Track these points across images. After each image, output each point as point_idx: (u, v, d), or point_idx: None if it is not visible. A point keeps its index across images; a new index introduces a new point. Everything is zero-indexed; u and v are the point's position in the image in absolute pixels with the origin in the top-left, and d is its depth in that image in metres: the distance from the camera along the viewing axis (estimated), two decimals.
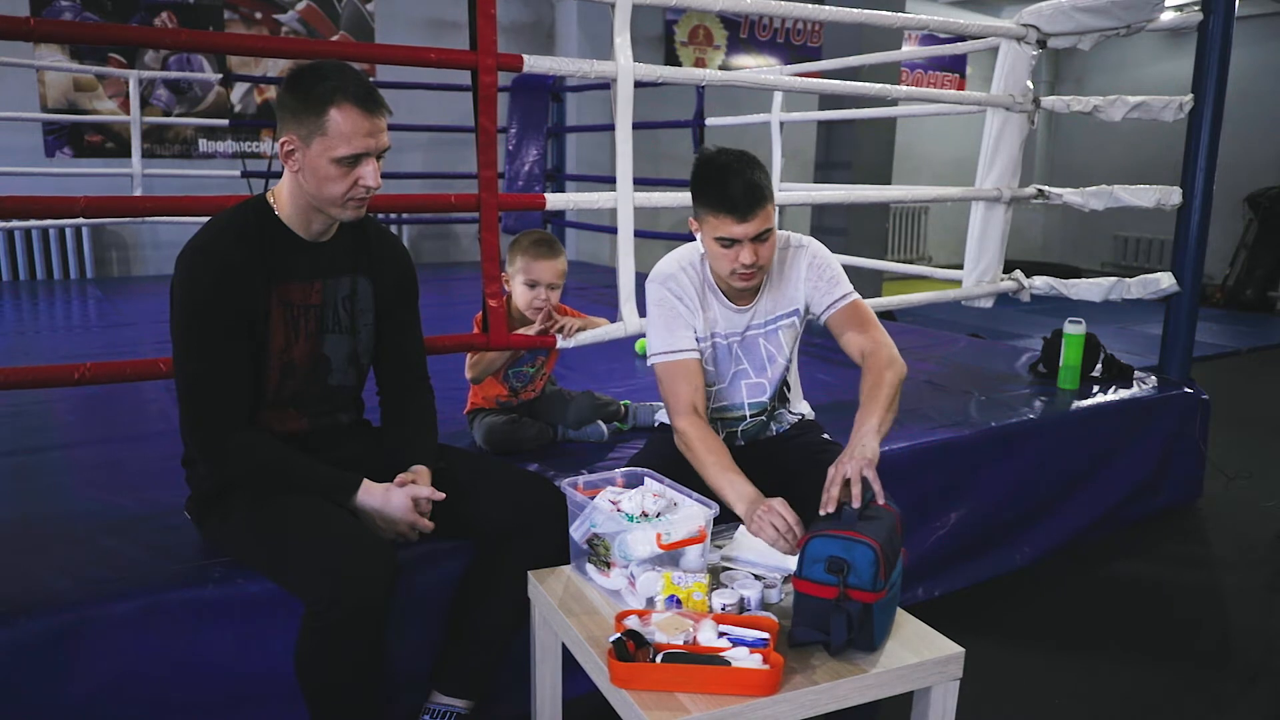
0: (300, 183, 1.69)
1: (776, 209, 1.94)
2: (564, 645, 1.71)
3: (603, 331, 2.56)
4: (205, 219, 1.79)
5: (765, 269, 1.94)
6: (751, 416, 2.14)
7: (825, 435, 2.21)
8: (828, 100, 5.69)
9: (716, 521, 1.70)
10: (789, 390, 2.21)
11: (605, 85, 3.05)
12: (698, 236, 1.96)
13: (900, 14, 3.35)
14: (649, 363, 2.05)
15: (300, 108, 1.63)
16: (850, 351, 2.02)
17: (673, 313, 1.99)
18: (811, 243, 2.08)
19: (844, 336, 2.03)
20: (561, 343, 2.49)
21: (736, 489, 1.79)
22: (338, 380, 1.86)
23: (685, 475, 1.87)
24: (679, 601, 1.54)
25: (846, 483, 1.64)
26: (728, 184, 1.81)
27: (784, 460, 2.11)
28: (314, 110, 1.61)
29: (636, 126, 2.54)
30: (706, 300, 2.02)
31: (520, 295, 2.46)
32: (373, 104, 1.65)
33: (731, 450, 1.94)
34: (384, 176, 1.72)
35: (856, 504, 1.61)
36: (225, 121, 6.23)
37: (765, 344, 2.08)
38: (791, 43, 8.68)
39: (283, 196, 1.75)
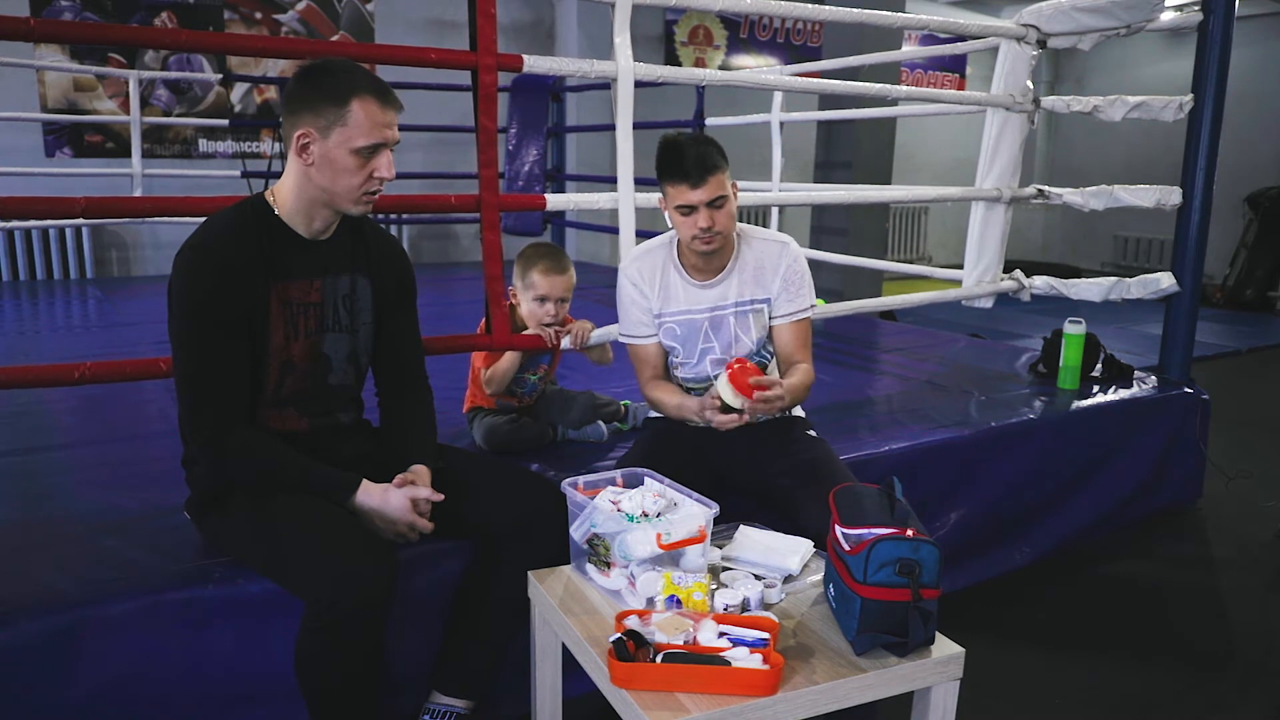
0: (312, 176, 1.69)
1: (735, 188, 2.10)
2: (564, 645, 1.71)
3: (605, 332, 2.56)
4: (205, 219, 1.79)
5: (724, 235, 2.08)
6: None
7: (811, 432, 2.25)
8: (828, 100, 5.69)
9: (717, 521, 1.70)
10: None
11: (605, 85, 3.05)
12: (667, 217, 2.13)
13: (900, 14, 3.35)
14: (617, 338, 2.30)
15: (320, 100, 1.65)
16: (780, 357, 2.24)
17: (630, 302, 2.22)
18: (793, 244, 2.24)
19: (786, 346, 2.22)
20: (567, 344, 2.49)
21: (688, 407, 2.11)
22: (337, 379, 1.86)
23: (672, 470, 1.89)
24: (679, 601, 1.54)
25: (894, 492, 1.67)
26: (682, 156, 2.02)
27: (768, 463, 2.15)
28: (335, 102, 1.64)
29: (637, 126, 2.54)
30: (669, 279, 2.20)
31: (530, 311, 2.44)
32: (390, 97, 1.70)
33: (713, 437, 2.12)
34: None
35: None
36: (225, 121, 6.23)
37: (735, 325, 2.19)
38: (791, 43, 8.68)
39: (284, 194, 1.74)
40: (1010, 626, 2.61)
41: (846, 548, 1.53)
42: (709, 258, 2.15)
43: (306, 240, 1.77)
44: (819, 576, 1.74)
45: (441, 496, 1.77)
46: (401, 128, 1.75)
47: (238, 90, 6.51)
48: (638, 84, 2.53)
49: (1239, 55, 3.59)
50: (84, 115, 5.99)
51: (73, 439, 2.71)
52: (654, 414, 2.36)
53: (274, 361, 1.75)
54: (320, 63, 1.70)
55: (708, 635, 1.43)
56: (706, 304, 2.18)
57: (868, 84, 3.23)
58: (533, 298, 2.42)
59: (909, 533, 1.50)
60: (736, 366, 1.97)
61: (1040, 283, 3.62)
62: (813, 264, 2.72)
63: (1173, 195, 3.42)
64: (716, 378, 2.02)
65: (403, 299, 1.95)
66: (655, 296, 2.19)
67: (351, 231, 1.85)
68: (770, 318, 2.21)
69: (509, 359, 2.43)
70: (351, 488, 1.74)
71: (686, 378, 2.25)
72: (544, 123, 6.43)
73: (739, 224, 2.23)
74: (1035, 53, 3.36)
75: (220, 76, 6.22)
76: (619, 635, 1.42)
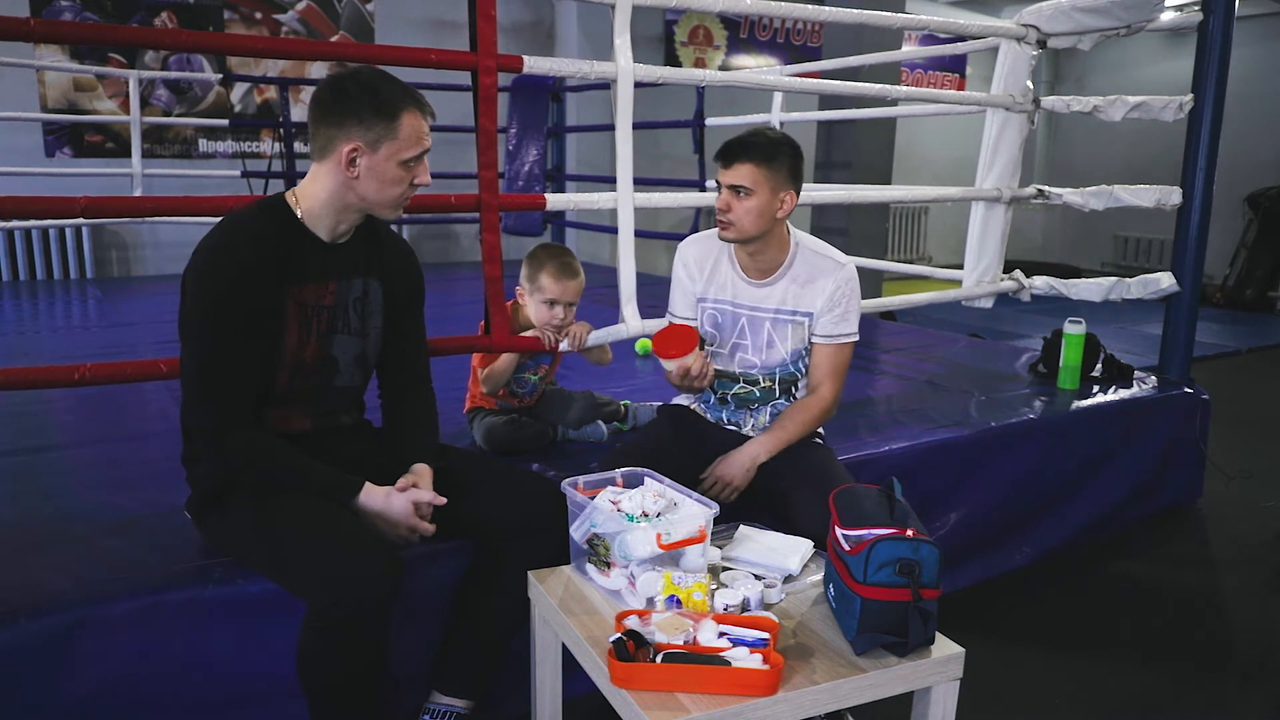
0: (355, 188, 1.70)
1: (791, 197, 2.10)
2: (564, 645, 1.71)
3: (605, 333, 2.56)
4: (205, 219, 1.79)
5: (738, 226, 2.08)
6: (746, 383, 2.24)
7: (817, 439, 2.26)
8: (828, 100, 5.69)
9: (717, 521, 1.70)
10: (795, 393, 2.27)
11: (605, 85, 3.05)
12: None
13: (900, 14, 3.35)
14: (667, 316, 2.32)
15: (369, 114, 1.65)
16: (811, 380, 2.23)
17: (677, 280, 2.27)
18: (851, 266, 2.22)
19: (819, 368, 2.21)
20: (565, 346, 2.48)
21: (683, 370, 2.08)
22: (344, 381, 1.86)
23: (667, 465, 1.90)
24: (679, 601, 1.54)
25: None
26: (731, 140, 2.08)
27: (776, 469, 2.14)
28: (386, 117, 1.66)
29: (636, 127, 2.54)
30: (720, 266, 2.22)
31: (538, 312, 2.43)
32: (427, 106, 1.74)
33: (715, 435, 2.24)
34: None
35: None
36: (225, 121, 6.23)
37: (771, 330, 2.20)
38: (791, 43, 8.68)
39: (310, 198, 1.73)
40: (1010, 626, 2.61)
41: (846, 548, 1.53)
42: (756, 257, 2.16)
43: (324, 244, 1.77)
44: (819, 576, 1.74)
45: (444, 501, 1.77)
46: None
47: (238, 90, 6.51)
48: (638, 84, 2.53)
49: (1239, 55, 3.59)
50: (84, 115, 5.99)
51: (73, 439, 2.71)
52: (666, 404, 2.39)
53: (287, 363, 1.75)
54: (354, 74, 1.69)
55: (708, 635, 1.43)
56: (749, 302, 2.19)
57: (868, 84, 3.23)
58: (541, 300, 2.41)
59: (909, 533, 1.50)
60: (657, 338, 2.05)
61: (1040, 283, 3.63)
62: None
63: (1173, 195, 3.42)
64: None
65: (411, 302, 1.96)
66: (702, 279, 2.22)
67: (367, 235, 1.85)
68: (811, 334, 2.20)
69: (506, 359, 2.43)
70: (354, 490, 1.74)
71: (716, 369, 2.22)
72: (544, 123, 6.42)
73: (801, 233, 2.22)
74: (1035, 53, 3.36)
75: (220, 76, 6.22)
76: (619, 635, 1.42)
